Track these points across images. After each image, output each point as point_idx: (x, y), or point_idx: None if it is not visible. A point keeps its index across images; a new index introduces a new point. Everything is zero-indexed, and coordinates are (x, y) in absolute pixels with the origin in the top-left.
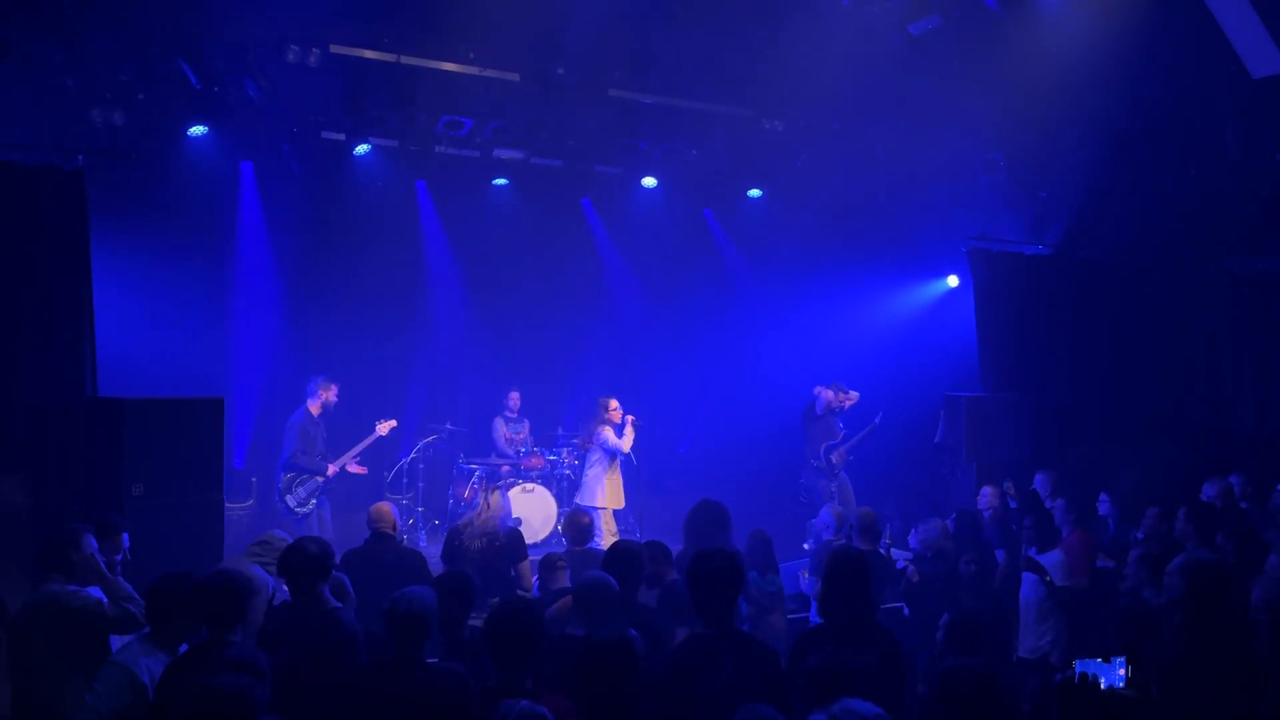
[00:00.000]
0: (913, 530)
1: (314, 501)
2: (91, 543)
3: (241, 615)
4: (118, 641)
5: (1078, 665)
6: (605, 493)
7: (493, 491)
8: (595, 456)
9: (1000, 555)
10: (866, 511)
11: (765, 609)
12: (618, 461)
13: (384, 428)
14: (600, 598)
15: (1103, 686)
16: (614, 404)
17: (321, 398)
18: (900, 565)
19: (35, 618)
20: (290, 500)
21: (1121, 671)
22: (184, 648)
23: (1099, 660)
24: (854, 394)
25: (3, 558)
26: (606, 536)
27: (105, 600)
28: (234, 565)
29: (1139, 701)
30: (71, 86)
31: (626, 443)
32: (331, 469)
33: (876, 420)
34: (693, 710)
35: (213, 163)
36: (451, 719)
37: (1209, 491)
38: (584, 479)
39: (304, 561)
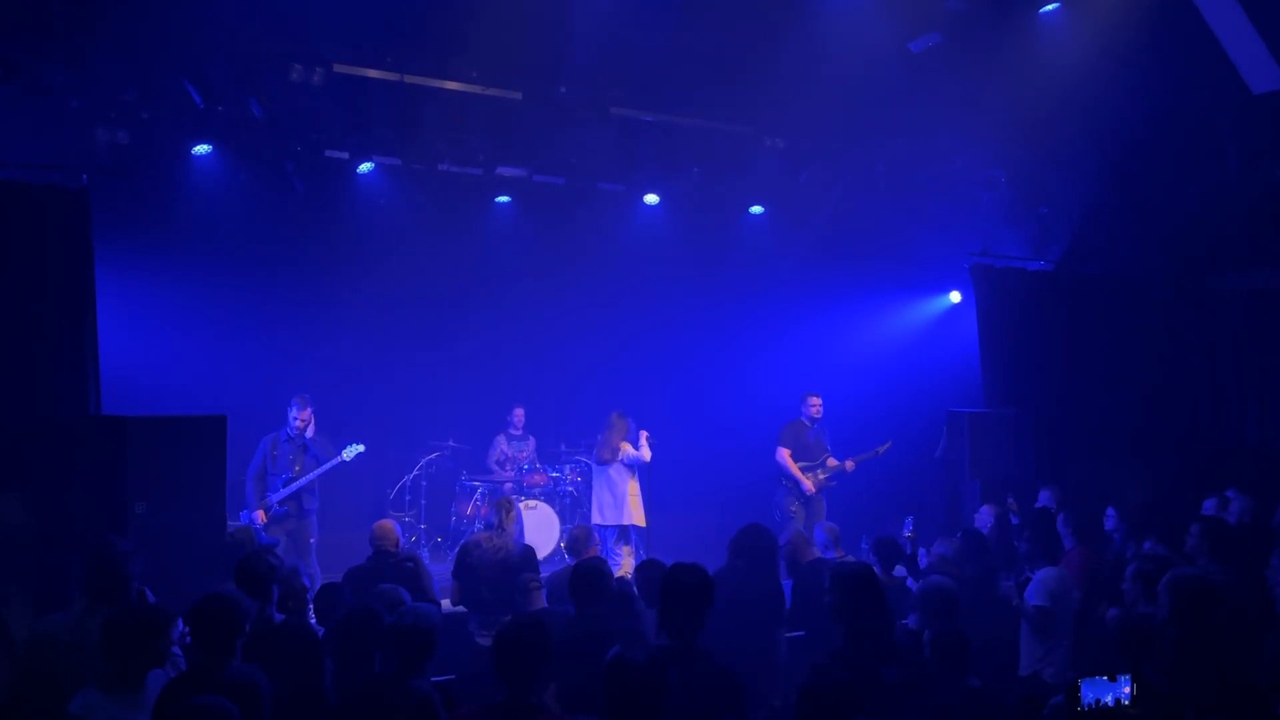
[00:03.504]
0: (922, 550)
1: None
2: None
3: (238, 635)
4: None
5: (1084, 685)
6: (640, 508)
7: (509, 508)
8: (617, 471)
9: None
10: (885, 540)
11: None
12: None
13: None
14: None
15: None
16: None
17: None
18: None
19: None
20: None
21: (1127, 690)
22: (153, 676)
23: (1104, 679)
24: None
25: (4, 577)
26: (627, 557)
27: None
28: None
29: None
30: (76, 106)
31: (647, 452)
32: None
33: (880, 446)
34: None
35: (216, 181)
36: None
37: (1208, 507)
38: (615, 495)
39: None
